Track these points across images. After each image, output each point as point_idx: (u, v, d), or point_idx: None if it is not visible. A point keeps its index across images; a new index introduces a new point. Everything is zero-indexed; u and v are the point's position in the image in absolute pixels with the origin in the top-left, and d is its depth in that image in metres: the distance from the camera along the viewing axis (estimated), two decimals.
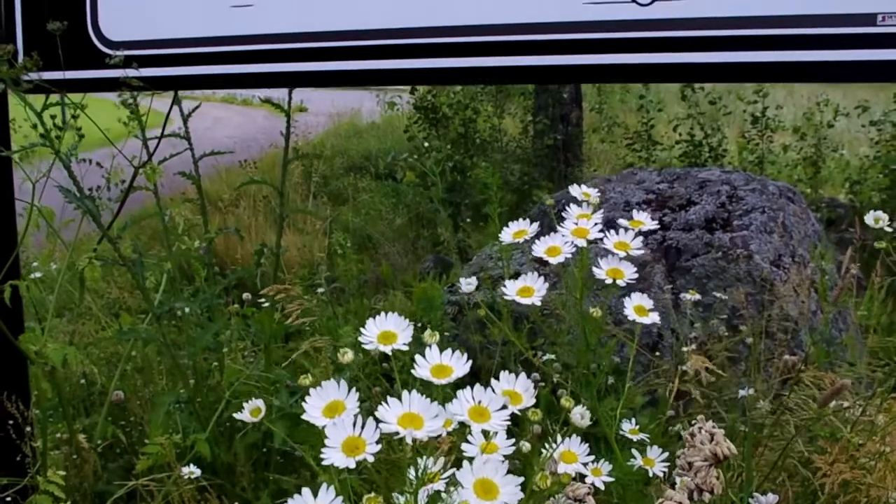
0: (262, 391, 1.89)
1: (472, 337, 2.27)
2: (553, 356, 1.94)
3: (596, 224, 1.04)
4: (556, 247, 1.03)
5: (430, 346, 0.81)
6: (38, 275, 1.96)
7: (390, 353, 0.82)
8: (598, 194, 1.08)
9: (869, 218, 1.36)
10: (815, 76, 1.03)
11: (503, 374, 0.81)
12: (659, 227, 2.66)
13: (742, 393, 1.81)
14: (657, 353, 2.32)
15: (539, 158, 5.36)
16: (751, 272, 2.46)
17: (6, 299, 1.36)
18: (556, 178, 5.02)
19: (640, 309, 1.05)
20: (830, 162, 6.39)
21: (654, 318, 1.02)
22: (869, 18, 1.00)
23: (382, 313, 0.85)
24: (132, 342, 1.82)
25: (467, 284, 1.18)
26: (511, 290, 1.01)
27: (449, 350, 0.81)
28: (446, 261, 3.67)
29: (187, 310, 1.95)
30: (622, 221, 1.09)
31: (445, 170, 3.75)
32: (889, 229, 1.32)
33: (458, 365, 0.80)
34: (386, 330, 0.84)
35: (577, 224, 1.05)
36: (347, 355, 0.84)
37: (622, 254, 1.04)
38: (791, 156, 6.13)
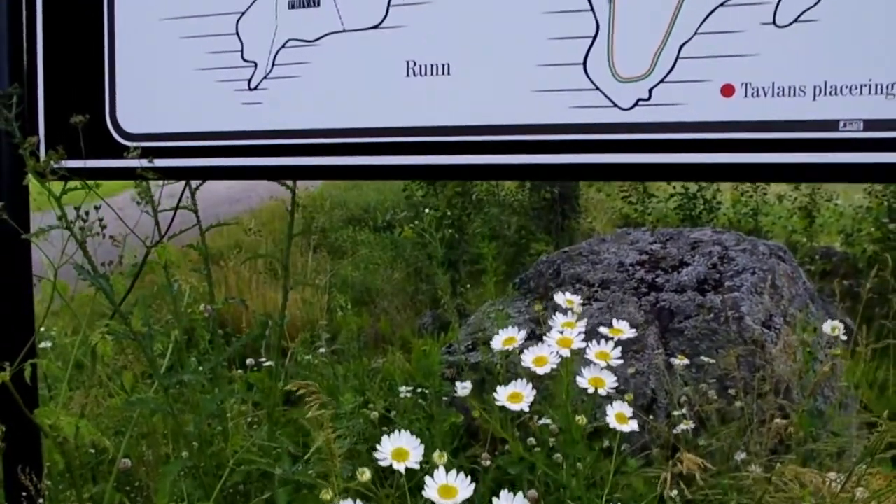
0: (265, 455, 1.95)
1: (470, 401, 2.33)
2: (549, 420, 2.00)
3: (580, 333, 1.12)
4: (543, 356, 1.11)
5: (438, 467, 0.89)
6: (48, 343, 2.03)
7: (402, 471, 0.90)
8: (580, 302, 1.16)
9: (826, 327, 1.46)
10: (782, 176, 1.13)
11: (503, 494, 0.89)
12: (651, 289, 2.75)
13: (736, 457, 1.88)
14: (651, 416, 2.39)
15: (536, 211, 5.47)
16: (742, 333, 2.54)
17: (26, 378, 1.43)
18: (553, 229, 5.12)
19: (620, 416, 1.12)
20: (825, 211, 6.51)
21: (633, 425, 1.10)
22: (831, 124, 1.10)
23: (396, 432, 0.94)
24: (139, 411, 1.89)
25: (462, 388, 1.26)
26: (501, 395, 1.09)
27: (454, 471, 0.89)
28: (444, 317, 3.74)
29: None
30: (603, 329, 1.17)
31: (443, 228, 3.85)
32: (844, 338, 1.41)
33: (463, 487, 0.88)
34: (399, 447, 0.92)
35: (562, 333, 1.13)
36: (366, 475, 0.91)
37: (603, 363, 1.12)
38: (786, 206, 6.25)
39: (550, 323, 1.17)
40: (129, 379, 2.25)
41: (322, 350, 2.76)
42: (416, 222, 4.28)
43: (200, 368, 2.04)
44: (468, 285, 3.98)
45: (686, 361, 2.08)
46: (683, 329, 2.59)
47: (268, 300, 3.73)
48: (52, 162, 1.38)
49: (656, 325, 2.66)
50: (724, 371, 2.47)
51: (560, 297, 1.21)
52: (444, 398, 2.31)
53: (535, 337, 2.82)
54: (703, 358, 2.26)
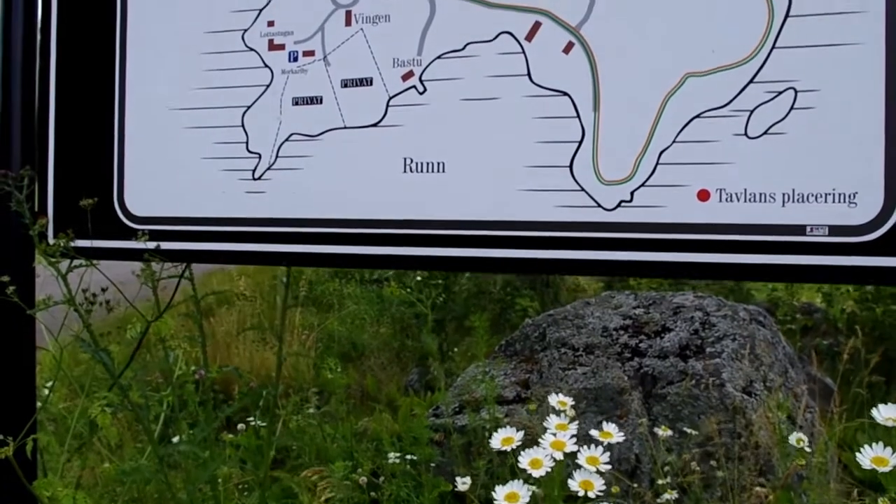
0: None
1: (458, 468, 2.39)
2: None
3: (572, 436, 1.19)
4: (538, 459, 1.17)
5: None
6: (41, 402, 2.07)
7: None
8: (571, 404, 1.23)
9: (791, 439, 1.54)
10: (752, 276, 1.21)
11: None
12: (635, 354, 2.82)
13: None
14: (635, 482, 2.44)
15: None
16: (723, 400, 2.61)
17: (27, 452, 1.48)
18: (538, 285, 5.21)
19: None
20: None
21: None
22: (799, 229, 1.19)
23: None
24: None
25: (462, 483, 1.32)
26: (500, 495, 1.15)
27: None
28: (431, 374, 3.79)
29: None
30: (593, 433, 1.23)
31: (430, 287, 3.92)
32: None
33: None
34: None
35: (555, 436, 1.19)
36: None
37: (593, 468, 1.18)
38: None
39: (545, 424, 1.24)
40: (111, 429, 2.29)
41: (311, 411, 2.80)
42: (404, 279, 4.36)
43: (192, 433, 2.08)
44: (455, 343, 4.04)
45: (669, 432, 2.14)
46: (666, 395, 2.66)
47: (255, 356, 3.77)
48: (61, 245, 1.44)
49: (640, 391, 2.73)
50: (705, 437, 2.54)
51: (553, 399, 1.28)
52: (432, 464, 2.35)
53: (521, 400, 2.88)
54: (686, 428, 2.33)
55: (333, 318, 4.60)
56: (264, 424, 2.56)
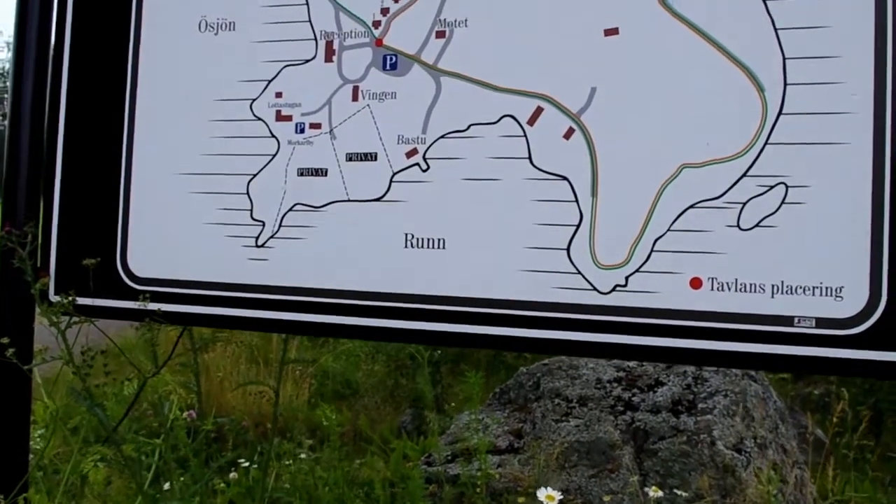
0: None
1: None
2: None
3: None
4: None
5: None
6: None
7: None
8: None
9: None
10: (740, 364, 1.26)
11: None
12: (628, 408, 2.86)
13: None
14: None
15: None
16: (714, 458, 2.64)
17: None
18: None
19: None
20: None
21: None
22: (787, 320, 1.24)
23: None
24: None
25: None
26: None
27: None
28: (424, 416, 3.82)
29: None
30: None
31: None
32: None
33: None
34: None
35: None
36: None
37: None
38: None
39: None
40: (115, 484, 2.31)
41: (303, 456, 2.83)
42: None
43: (183, 479, 2.10)
44: (449, 385, 4.07)
45: (660, 493, 2.18)
46: (658, 450, 2.70)
47: (247, 393, 3.79)
48: (63, 305, 1.48)
49: (632, 445, 2.76)
50: (696, 494, 2.57)
51: (541, 493, 1.32)
52: None
53: (514, 450, 2.91)
54: (677, 489, 2.36)
55: (328, 354, 4.63)
56: (256, 465, 2.59)
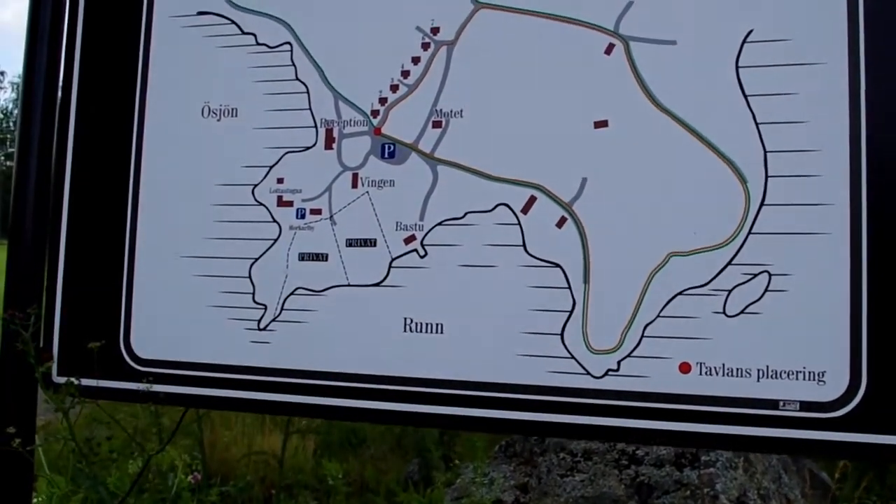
0: None
1: None
2: None
3: None
4: None
5: None
6: None
7: None
8: None
9: None
10: (728, 446, 1.36)
11: None
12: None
13: None
14: None
15: None
16: None
17: None
18: None
19: None
20: None
21: None
22: (772, 403, 1.34)
23: None
24: None
25: None
26: None
27: None
28: (431, 465, 3.91)
29: None
30: None
31: None
32: None
33: None
34: None
35: None
36: None
37: None
38: None
39: None
40: None
41: None
42: None
43: None
44: (456, 433, 4.15)
45: None
46: None
47: (254, 442, 3.88)
48: (69, 391, 1.58)
49: (636, 500, 2.85)
50: None
51: None
52: None
53: None
54: None
55: None
56: None
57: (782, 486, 3.08)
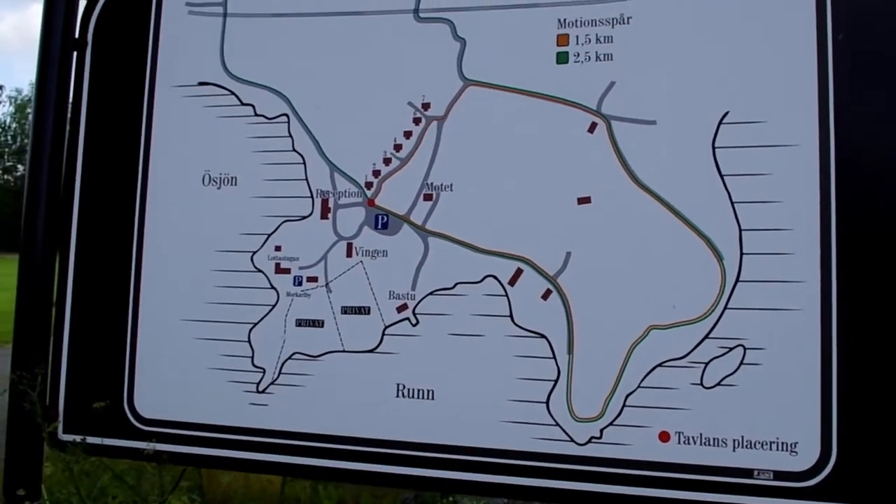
0: None
1: None
2: None
3: None
4: None
5: None
6: None
7: None
8: None
9: None
10: None
11: None
12: None
13: None
14: None
15: None
16: None
17: None
18: None
19: None
20: None
21: None
22: (747, 472, 1.46)
23: None
24: None
25: None
26: None
27: None
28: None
29: None
30: None
31: None
32: None
33: None
34: None
35: None
36: None
37: None
38: None
39: None
40: None
41: None
42: None
43: None
44: None
45: None
46: None
47: (252, 478, 3.98)
48: (74, 452, 1.70)
49: None
50: None
51: None
52: None
53: None
54: None
55: None
56: None
57: None
